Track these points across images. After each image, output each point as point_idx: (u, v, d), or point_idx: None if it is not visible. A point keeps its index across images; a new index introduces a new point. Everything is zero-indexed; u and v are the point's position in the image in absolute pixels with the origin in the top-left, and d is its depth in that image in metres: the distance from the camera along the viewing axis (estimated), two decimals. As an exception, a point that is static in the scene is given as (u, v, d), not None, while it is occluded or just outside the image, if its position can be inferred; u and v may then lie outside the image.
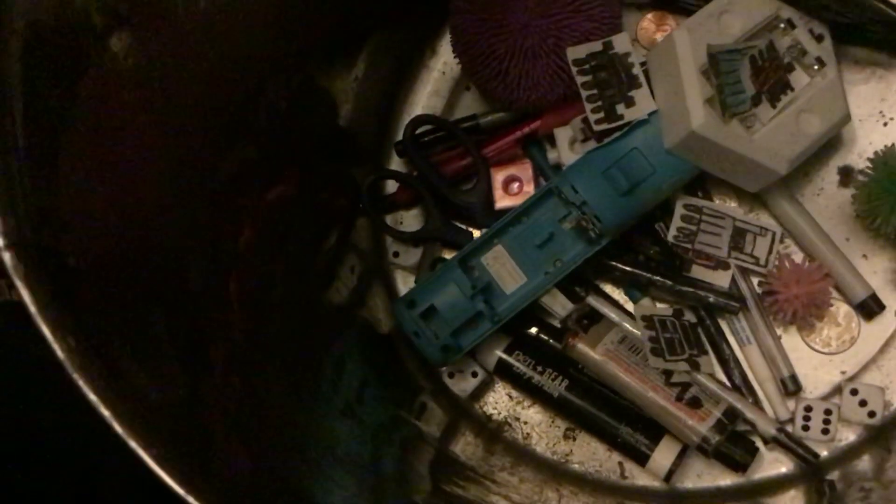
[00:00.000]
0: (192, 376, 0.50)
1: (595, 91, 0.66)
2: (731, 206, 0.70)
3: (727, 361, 0.68)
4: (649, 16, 0.72)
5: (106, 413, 0.34)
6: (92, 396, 0.34)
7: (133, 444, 0.35)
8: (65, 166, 0.43)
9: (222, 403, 0.51)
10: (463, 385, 0.71)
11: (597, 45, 0.66)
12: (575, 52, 0.66)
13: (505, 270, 0.68)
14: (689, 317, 0.68)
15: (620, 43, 0.66)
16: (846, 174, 0.69)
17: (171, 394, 0.45)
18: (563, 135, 0.70)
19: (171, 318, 0.50)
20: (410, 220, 0.75)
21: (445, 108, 0.76)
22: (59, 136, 0.43)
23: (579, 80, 0.66)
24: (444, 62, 0.76)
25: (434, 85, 0.77)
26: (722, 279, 0.67)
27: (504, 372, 0.70)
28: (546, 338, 0.70)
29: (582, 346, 0.67)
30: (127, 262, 0.47)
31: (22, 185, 0.38)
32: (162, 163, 0.50)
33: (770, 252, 0.67)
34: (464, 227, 0.73)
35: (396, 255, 0.74)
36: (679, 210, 0.67)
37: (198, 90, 0.55)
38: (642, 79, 0.65)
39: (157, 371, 0.45)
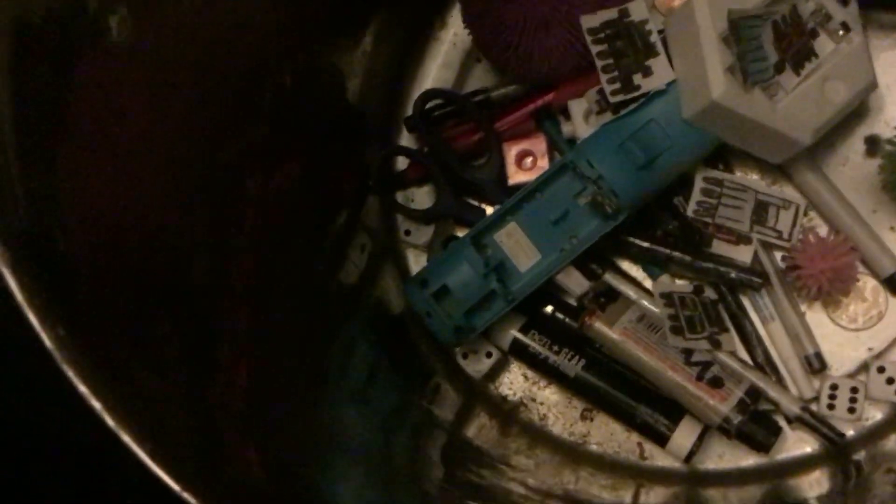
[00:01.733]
0: (198, 371, 0.48)
1: (610, 61, 0.64)
2: (752, 178, 0.67)
3: (749, 339, 0.66)
4: (667, -19, 0.69)
5: (97, 405, 0.33)
6: (82, 388, 0.33)
7: (126, 437, 0.33)
8: (60, 151, 0.41)
9: (229, 398, 0.50)
10: (477, 366, 0.69)
11: (612, 13, 0.64)
12: (589, 21, 0.64)
13: (519, 248, 0.66)
14: (710, 293, 0.66)
15: (637, 10, 0.64)
16: (873, 143, 0.67)
17: (174, 389, 0.43)
18: (577, 107, 0.67)
19: (175, 311, 0.48)
20: (422, 198, 0.73)
21: (456, 80, 0.74)
22: (54, 122, 0.41)
23: (594, 49, 0.64)
24: (454, 33, 0.74)
25: (444, 57, 0.74)
26: (744, 254, 0.65)
27: (519, 352, 0.68)
28: (562, 317, 0.68)
29: (599, 325, 0.65)
30: (127, 253, 0.45)
31: (10, 170, 0.36)
32: (162, 147, 0.48)
33: (794, 225, 0.65)
34: (476, 203, 0.71)
35: (408, 233, 0.72)
36: (699, 183, 0.65)
37: (198, 70, 0.53)
38: (660, 47, 0.63)
39: (159, 365, 0.43)
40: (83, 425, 0.33)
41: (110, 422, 0.33)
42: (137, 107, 0.45)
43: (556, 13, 0.64)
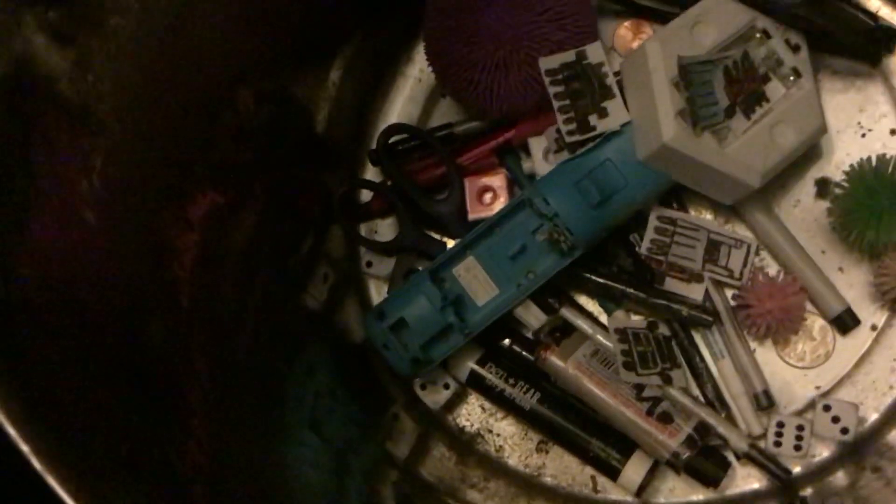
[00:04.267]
0: (157, 424, 0.48)
1: (567, 102, 0.65)
2: (705, 217, 0.69)
3: (700, 375, 0.67)
4: (626, 24, 0.71)
5: (24, 448, 0.33)
6: (11, 430, 0.33)
7: (51, 480, 0.34)
8: (9, 207, 0.42)
9: (191, 450, 0.49)
10: (435, 397, 0.70)
11: (570, 55, 0.65)
12: (547, 63, 0.65)
13: (477, 282, 0.67)
14: (663, 330, 0.68)
15: (594, 53, 0.65)
16: (823, 186, 0.68)
17: (125, 442, 0.44)
18: (537, 144, 0.69)
19: (130, 370, 0.48)
20: (385, 230, 0.74)
21: (422, 115, 0.76)
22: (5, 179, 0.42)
23: (551, 90, 0.65)
24: (420, 69, 0.75)
25: (410, 92, 0.76)
26: (696, 292, 0.66)
27: (476, 384, 0.69)
28: (519, 349, 0.69)
29: (553, 359, 0.66)
30: (77, 310, 0.45)
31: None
32: (115, 190, 0.49)
33: (745, 265, 0.67)
34: (438, 237, 0.72)
35: (370, 265, 0.73)
36: (653, 221, 0.66)
37: (158, 111, 0.53)
38: (615, 89, 0.65)
39: (109, 421, 0.43)
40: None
41: (37, 465, 0.33)
42: (93, 155, 0.46)
43: (515, 54, 0.65)
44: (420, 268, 0.71)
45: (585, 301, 0.71)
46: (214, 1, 0.58)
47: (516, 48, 0.65)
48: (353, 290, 0.75)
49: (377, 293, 0.74)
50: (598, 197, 0.63)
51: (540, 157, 0.69)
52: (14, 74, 0.40)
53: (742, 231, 0.68)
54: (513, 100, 0.67)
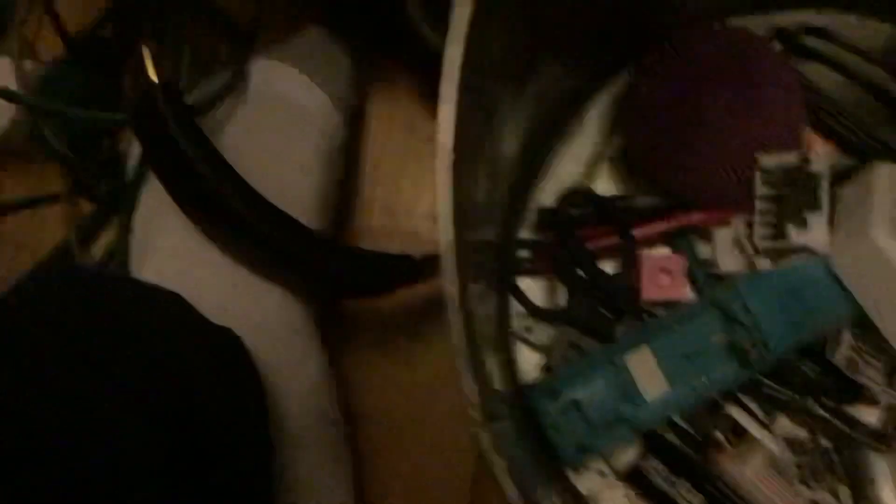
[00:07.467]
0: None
1: (772, 205, 0.63)
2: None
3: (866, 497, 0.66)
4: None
5: None
6: None
7: None
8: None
9: None
10: (589, 484, 0.67)
11: (793, 158, 0.63)
12: (767, 161, 0.63)
13: (648, 375, 0.64)
14: (826, 443, 0.66)
15: (819, 161, 0.63)
16: None
17: None
18: (723, 236, 0.67)
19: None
20: (533, 293, 0.70)
21: (583, 175, 0.72)
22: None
23: (760, 190, 0.63)
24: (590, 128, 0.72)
25: (575, 149, 0.73)
26: (871, 415, 0.65)
27: (636, 479, 0.66)
28: (682, 445, 0.67)
29: (727, 462, 0.64)
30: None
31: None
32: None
33: (920, 391, 0.65)
34: (608, 314, 0.68)
35: (529, 330, 0.69)
36: (847, 339, 0.64)
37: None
38: (824, 203, 0.62)
39: None
40: None
41: None
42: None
43: (744, 152, 0.63)
44: (580, 344, 0.68)
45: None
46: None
47: (745, 145, 0.63)
48: (494, 349, 0.71)
49: (521, 358, 0.71)
50: (798, 316, 0.62)
51: (725, 250, 0.66)
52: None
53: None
54: (721, 190, 0.65)
